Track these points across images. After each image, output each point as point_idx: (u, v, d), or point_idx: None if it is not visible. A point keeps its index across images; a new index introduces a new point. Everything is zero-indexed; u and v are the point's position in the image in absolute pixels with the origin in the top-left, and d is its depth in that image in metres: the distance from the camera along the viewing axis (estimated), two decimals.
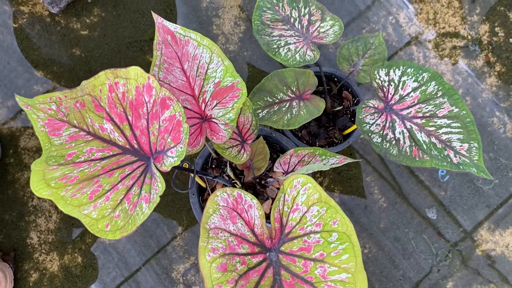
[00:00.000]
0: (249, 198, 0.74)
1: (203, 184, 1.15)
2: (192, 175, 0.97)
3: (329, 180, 1.47)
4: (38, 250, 1.39)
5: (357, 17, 1.58)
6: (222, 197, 0.72)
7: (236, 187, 1.12)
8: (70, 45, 1.50)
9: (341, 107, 1.31)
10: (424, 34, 1.58)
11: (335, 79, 1.33)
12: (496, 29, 1.59)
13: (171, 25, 0.87)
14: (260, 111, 1.06)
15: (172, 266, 1.40)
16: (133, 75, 0.76)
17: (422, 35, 1.58)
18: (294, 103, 1.07)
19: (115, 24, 1.51)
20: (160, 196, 0.66)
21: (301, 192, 0.74)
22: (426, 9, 1.60)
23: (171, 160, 0.69)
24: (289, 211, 0.75)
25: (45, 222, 1.40)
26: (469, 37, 1.58)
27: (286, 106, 1.06)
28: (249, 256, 0.72)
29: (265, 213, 1.13)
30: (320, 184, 1.47)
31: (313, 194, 0.74)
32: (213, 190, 1.20)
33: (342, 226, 0.71)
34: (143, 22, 1.51)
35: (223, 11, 1.55)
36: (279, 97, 1.07)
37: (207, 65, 0.87)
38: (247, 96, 1.10)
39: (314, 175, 1.46)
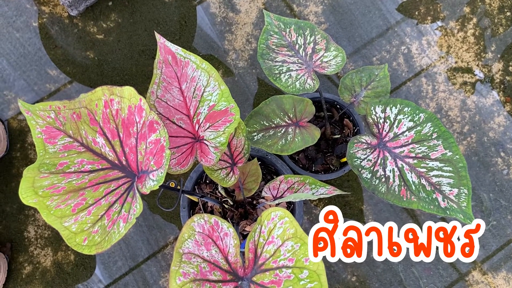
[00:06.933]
0: (225, 226, 0.75)
1: (194, 199, 1.17)
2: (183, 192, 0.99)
3: (324, 204, 1.47)
4: (34, 244, 1.43)
5: (369, 43, 1.58)
6: (199, 223, 0.73)
7: (225, 206, 1.14)
8: (85, 47, 1.54)
9: (340, 135, 1.31)
10: (436, 67, 1.57)
11: (338, 106, 1.33)
12: (510, 68, 1.57)
13: (172, 46, 0.89)
14: (255, 134, 1.07)
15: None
16: (127, 95, 0.78)
17: (433, 67, 1.57)
18: (290, 129, 1.08)
19: (130, 31, 1.55)
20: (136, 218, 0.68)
21: (278, 225, 0.75)
22: (440, 42, 1.58)
23: (151, 183, 0.70)
24: (264, 242, 0.76)
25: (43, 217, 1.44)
26: (482, 74, 1.56)
27: (282, 132, 1.07)
28: (220, 284, 0.74)
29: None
30: (315, 206, 1.48)
31: (289, 228, 0.74)
32: (204, 205, 1.21)
33: (314, 265, 0.72)
34: (157, 32, 1.55)
35: (237, 27, 1.57)
36: (275, 122, 1.08)
37: (203, 87, 0.89)
38: (245, 119, 1.11)
39: None
